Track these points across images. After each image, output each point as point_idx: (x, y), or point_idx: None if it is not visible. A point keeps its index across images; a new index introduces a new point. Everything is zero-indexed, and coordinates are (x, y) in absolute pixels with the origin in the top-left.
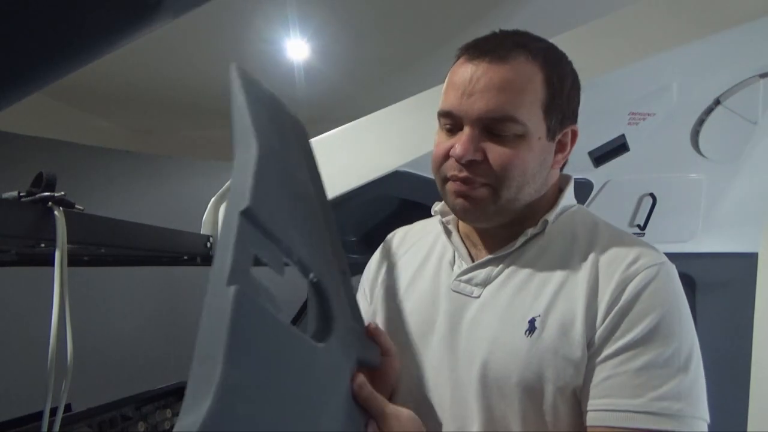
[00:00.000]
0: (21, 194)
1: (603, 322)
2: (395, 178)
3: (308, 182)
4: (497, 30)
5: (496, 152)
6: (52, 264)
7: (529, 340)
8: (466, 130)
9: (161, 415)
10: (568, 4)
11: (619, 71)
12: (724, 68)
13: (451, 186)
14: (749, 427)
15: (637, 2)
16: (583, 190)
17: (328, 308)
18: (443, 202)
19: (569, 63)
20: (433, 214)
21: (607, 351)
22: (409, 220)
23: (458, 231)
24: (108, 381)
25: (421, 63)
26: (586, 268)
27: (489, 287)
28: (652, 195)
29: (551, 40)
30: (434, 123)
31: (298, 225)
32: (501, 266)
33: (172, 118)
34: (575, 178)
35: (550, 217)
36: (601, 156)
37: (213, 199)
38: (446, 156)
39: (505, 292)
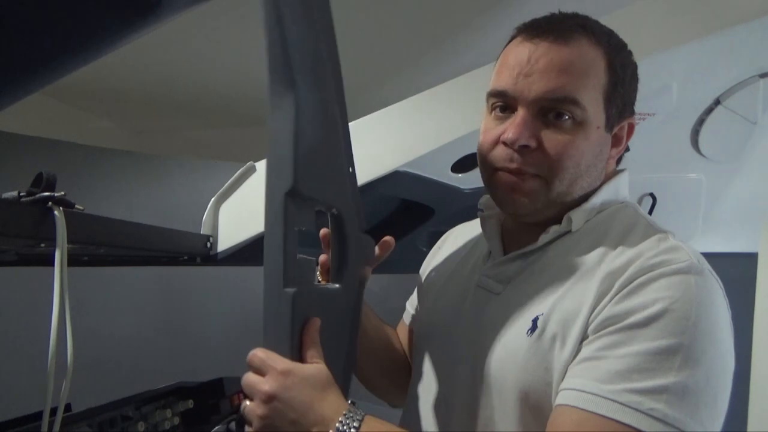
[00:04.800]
0: (21, 194)
1: (602, 311)
2: (395, 178)
3: (333, 85)
4: (556, 12)
5: (552, 139)
6: (52, 264)
7: (529, 339)
8: (521, 112)
9: (161, 415)
10: (568, 4)
11: None
12: (724, 68)
13: (502, 177)
14: (749, 427)
15: (637, 2)
16: None
17: (343, 237)
18: (488, 195)
19: (630, 52)
20: (478, 206)
21: (597, 333)
22: (409, 220)
23: (500, 225)
24: (108, 381)
25: (421, 63)
26: (605, 266)
27: (511, 284)
28: (652, 195)
29: None
30: (434, 123)
31: (328, 167)
32: (525, 263)
33: (172, 118)
34: None
35: (575, 214)
36: None
37: (213, 199)
38: (495, 143)
39: (523, 290)
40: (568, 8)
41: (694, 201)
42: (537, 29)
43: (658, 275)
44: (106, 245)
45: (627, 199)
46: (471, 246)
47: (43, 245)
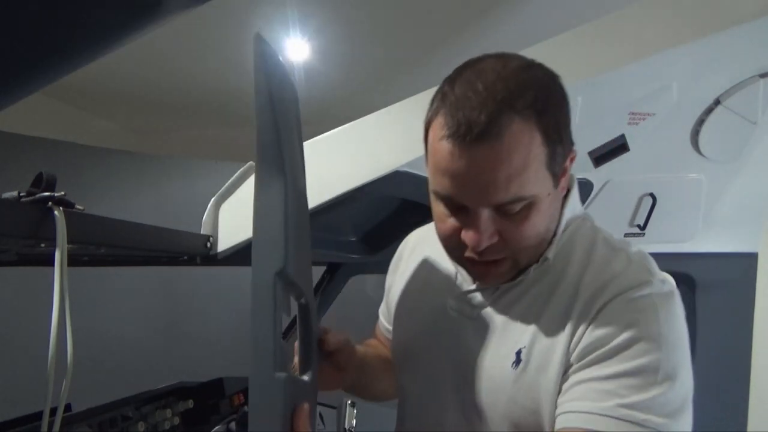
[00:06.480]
0: (21, 194)
1: (581, 338)
2: (395, 178)
3: (303, 175)
4: (472, 74)
5: (510, 229)
6: (52, 264)
7: (515, 372)
8: (477, 215)
9: (161, 415)
10: (568, 4)
11: (619, 71)
12: (724, 68)
13: (471, 262)
14: (749, 427)
15: (637, 2)
16: (583, 190)
17: (308, 330)
18: None
19: (553, 82)
20: None
21: (580, 362)
22: (409, 220)
23: None
24: (108, 381)
25: (421, 63)
26: (573, 296)
27: (486, 310)
28: (652, 195)
29: (551, 41)
30: None
31: (302, 252)
32: (499, 290)
33: (172, 118)
34: (576, 178)
35: (550, 251)
36: (601, 156)
37: (213, 199)
38: (455, 233)
39: (499, 318)
40: (569, 9)
41: (694, 201)
42: (461, 125)
43: (626, 301)
44: (106, 245)
45: (579, 210)
46: (435, 260)
47: (43, 245)
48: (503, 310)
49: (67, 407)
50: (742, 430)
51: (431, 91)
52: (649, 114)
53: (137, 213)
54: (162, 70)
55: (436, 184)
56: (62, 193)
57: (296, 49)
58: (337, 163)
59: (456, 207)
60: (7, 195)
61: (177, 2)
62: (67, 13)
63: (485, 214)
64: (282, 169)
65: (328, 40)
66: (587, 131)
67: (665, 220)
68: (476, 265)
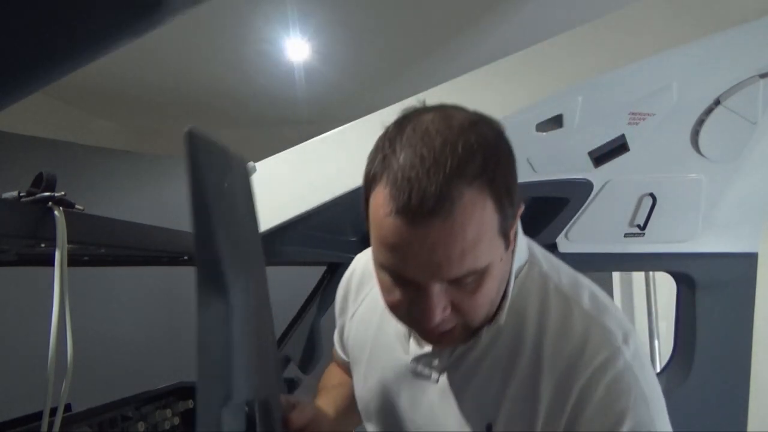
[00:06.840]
0: (21, 194)
1: (570, 425)
2: None
3: (260, 262)
4: (414, 136)
5: (463, 301)
6: (52, 264)
7: None
8: (425, 289)
9: (161, 415)
10: (568, 4)
11: (619, 71)
12: (724, 68)
13: (421, 332)
14: (749, 427)
15: (637, 2)
16: (583, 190)
17: (270, 426)
18: None
19: (500, 139)
20: None
21: None
22: None
23: None
24: (108, 381)
25: (420, 63)
26: (537, 365)
27: (446, 374)
28: (652, 195)
29: (551, 41)
30: None
31: (258, 353)
32: (455, 352)
33: (172, 118)
34: (576, 179)
35: (502, 317)
36: (601, 156)
37: None
38: (405, 308)
39: (462, 384)
40: (569, 9)
41: (694, 201)
42: (416, 204)
43: (606, 385)
44: (106, 245)
45: (524, 254)
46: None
47: (43, 245)
48: (465, 376)
49: (67, 407)
50: (742, 430)
51: (432, 91)
52: (649, 114)
53: (137, 213)
54: (162, 70)
55: (383, 257)
56: (62, 193)
57: (296, 49)
58: (338, 163)
59: (404, 280)
60: (7, 195)
61: (177, 2)
62: (66, 14)
63: (437, 288)
64: (224, 291)
65: (328, 40)
66: (587, 131)
67: (665, 220)
68: (429, 333)
